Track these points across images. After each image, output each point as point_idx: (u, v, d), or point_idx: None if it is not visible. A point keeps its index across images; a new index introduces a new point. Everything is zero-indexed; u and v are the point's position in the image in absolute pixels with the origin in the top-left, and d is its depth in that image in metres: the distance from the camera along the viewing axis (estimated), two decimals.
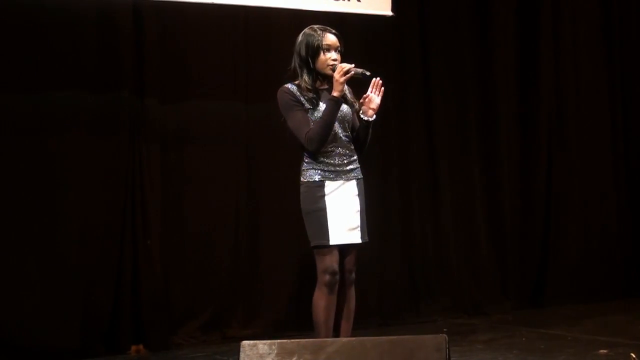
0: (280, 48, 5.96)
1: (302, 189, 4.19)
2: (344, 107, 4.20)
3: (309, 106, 4.15)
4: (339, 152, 4.17)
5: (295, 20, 5.80)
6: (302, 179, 4.20)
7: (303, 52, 4.16)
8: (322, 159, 4.14)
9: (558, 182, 7.10)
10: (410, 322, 6.23)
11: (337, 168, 4.16)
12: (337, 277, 4.10)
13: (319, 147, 4.11)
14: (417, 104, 6.60)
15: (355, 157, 4.24)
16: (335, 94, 4.09)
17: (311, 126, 4.10)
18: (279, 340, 3.27)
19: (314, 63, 4.15)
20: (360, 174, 4.25)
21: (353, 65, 4.10)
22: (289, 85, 4.19)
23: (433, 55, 6.66)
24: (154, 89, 5.62)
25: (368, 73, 4.09)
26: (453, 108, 6.74)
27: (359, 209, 4.19)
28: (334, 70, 4.11)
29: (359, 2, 5.67)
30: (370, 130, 4.24)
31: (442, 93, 6.68)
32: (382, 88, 4.18)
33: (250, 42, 5.97)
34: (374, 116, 4.19)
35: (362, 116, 4.21)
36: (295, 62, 4.21)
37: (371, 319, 6.12)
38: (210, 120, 5.82)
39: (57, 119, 5.34)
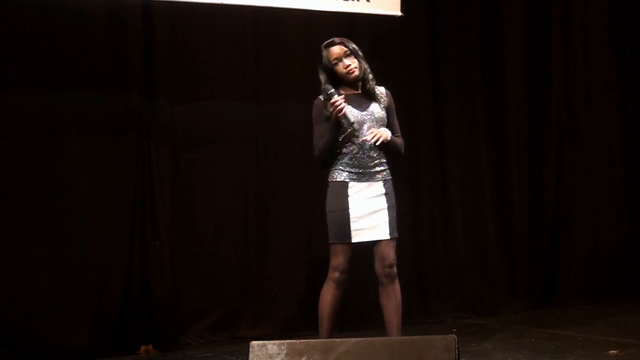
0: (290, 48, 5.99)
1: (328, 187, 4.31)
2: (373, 109, 4.28)
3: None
4: (365, 155, 4.25)
5: (305, 20, 5.81)
6: (329, 178, 4.31)
7: (325, 72, 4.31)
8: (347, 160, 4.25)
9: (568, 182, 7.08)
10: (420, 322, 6.21)
11: (362, 170, 4.25)
12: (346, 275, 4.26)
13: (320, 164, 4.30)
14: (426, 104, 6.59)
15: (383, 160, 4.32)
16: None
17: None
18: (288, 341, 3.28)
19: (336, 77, 4.30)
20: (389, 175, 4.34)
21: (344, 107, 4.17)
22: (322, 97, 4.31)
23: (442, 55, 6.66)
24: (163, 89, 5.63)
25: (357, 127, 4.20)
26: (462, 108, 6.72)
27: (385, 206, 4.26)
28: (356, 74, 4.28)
29: (368, 2, 5.66)
30: (392, 145, 4.32)
31: (451, 93, 6.67)
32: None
33: (260, 42, 5.97)
34: (378, 143, 4.23)
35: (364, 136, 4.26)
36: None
37: (381, 319, 6.10)
38: (220, 120, 5.82)
39: (67, 119, 5.35)
